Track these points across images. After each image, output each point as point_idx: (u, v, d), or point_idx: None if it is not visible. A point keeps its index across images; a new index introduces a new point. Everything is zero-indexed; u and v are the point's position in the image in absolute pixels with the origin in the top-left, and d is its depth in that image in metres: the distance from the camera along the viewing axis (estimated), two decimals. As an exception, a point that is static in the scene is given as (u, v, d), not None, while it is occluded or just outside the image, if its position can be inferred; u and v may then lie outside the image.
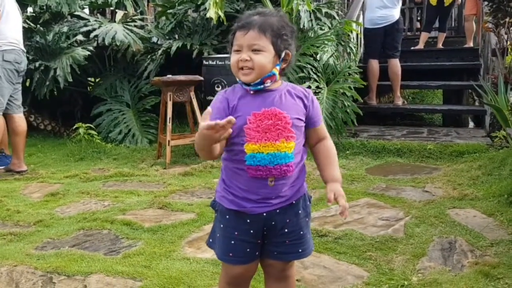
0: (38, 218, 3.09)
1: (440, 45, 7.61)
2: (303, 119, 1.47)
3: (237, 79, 1.47)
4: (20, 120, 4.49)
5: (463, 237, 2.58)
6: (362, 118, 5.23)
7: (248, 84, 1.43)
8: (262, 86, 1.43)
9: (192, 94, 4.74)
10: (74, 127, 5.28)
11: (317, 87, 4.89)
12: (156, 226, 2.86)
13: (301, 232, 1.52)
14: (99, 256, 2.46)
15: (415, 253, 2.40)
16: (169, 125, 4.55)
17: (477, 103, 7.11)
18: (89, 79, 6.82)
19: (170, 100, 4.60)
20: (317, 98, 4.64)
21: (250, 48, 1.40)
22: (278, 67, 1.44)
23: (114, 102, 5.86)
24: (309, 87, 4.80)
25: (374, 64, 5.95)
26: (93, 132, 5.23)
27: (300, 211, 1.51)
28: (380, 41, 5.93)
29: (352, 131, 5.11)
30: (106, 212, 3.17)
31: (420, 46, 7.61)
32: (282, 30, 1.43)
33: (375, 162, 4.40)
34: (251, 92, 1.44)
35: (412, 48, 7.65)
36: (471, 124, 7.18)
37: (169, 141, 4.53)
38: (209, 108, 1.34)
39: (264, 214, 1.45)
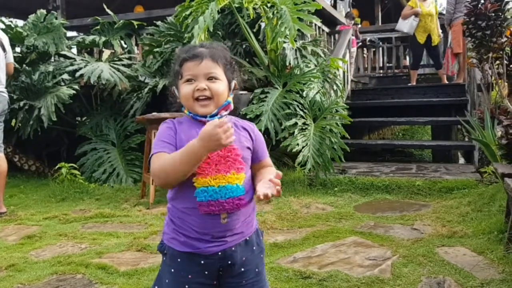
0: (11, 262, 2.96)
1: (444, 81, 7.70)
2: (250, 151, 1.43)
3: (187, 112, 1.41)
4: (0, 160, 4.39)
5: (452, 276, 2.47)
6: (351, 155, 5.17)
7: (204, 116, 1.39)
8: (218, 117, 1.39)
9: (177, 132, 4.67)
10: (57, 167, 5.17)
11: (304, 123, 4.84)
12: (132, 270, 2.73)
13: (257, 270, 1.43)
14: (70, 303, 2.33)
15: (402, 295, 2.28)
16: (153, 163, 4.45)
17: (466, 139, 7.10)
18: (78, 118, 6.76)
19: (154, 137, 4.52)
20: (304, 134, 4.73)
21: (206, 77, 1.38)
22: (231, 96, 1.44)
23: (99, 141, 5.78)
24: (296, 123, 4.76)
25: None
26: (76, 172, 5.12)
27: (254, 247, 1.43)
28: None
29: (340, 167, 5.04)
30: (82, 255, 3.04)
31: (413, 83, 7.78)
32: (230, 60, 1.44)
33: (364, 199, 4.30)
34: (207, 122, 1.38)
35: (410, 84, 7.79)
36: (462, 160, 7.15)
37: (152, 180, 4.43)
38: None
39: (219, 253, 1.36)
